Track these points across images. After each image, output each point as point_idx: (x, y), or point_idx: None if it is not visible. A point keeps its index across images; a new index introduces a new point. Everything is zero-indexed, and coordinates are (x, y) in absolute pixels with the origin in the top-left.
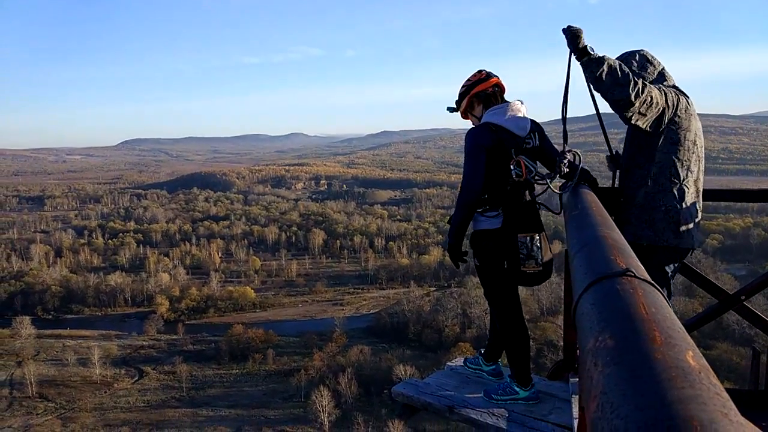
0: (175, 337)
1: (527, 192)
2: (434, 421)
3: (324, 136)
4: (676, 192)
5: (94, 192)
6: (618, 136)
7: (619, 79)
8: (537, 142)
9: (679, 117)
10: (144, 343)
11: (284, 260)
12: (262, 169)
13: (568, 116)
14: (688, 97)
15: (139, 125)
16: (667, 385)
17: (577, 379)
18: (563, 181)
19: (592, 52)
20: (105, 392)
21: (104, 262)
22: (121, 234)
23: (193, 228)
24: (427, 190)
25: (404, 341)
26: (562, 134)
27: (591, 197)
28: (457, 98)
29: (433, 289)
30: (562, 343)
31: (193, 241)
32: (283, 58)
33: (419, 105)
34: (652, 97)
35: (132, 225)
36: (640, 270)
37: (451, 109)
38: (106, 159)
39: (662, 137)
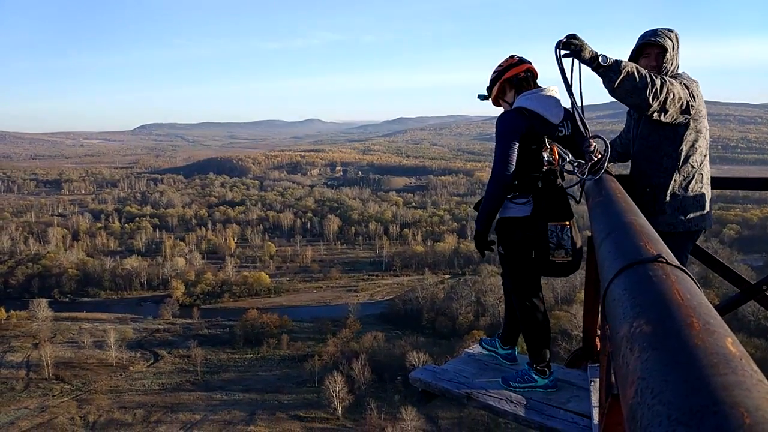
0: (190, 321)
1: (558, 180)
2: (448, 408)
3: (340, 122)
4: (698, 177)
5: (111, 176)
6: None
7: (637, 83)
8: (569, 130)
9: (700, 105)
10: (159, 326)
11: (299, 246)
12: (278, 155)
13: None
14: (698, 83)
15: (155, 110)
16: (709, 372)
17: (597, 366)
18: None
19: (605, 61)
20: (120, 375)
21: (121, 246)
22: (137, 218)
23: (209, 213)
24: (443, 177)
25: (418, 328)
26: (580, 123)
27: (615, 184)
28: (488, 84)
29: (447, 276)
30: (576, 333)
31: (209, 226)
32: (302, 43)
33: (436, 92)
34: (673, 94)
35: (148, 209)
36: (671, 257)
37: (482, 97)
38: (122, 143)
39: (688, 127)
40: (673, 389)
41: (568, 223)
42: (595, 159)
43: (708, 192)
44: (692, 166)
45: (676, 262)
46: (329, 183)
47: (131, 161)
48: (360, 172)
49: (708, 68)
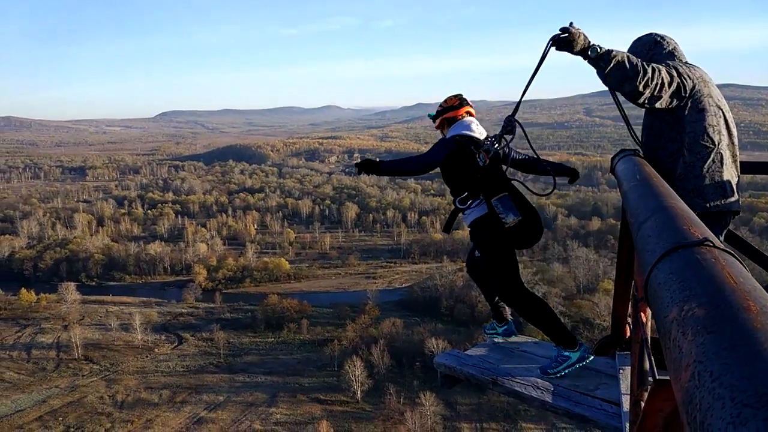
0: (212, 305)
1: (496, 173)
2: (467, 395)
3: (357, 108)
4: (714, 156)
5: (134, 163)
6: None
7: (628, 71)
8: (494, 146)
9: (697, 86)
10: (183, 310)
11: (318, 233)
12: (296, 142)
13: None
14: (699, 68)
15: (175, 97)
16: None
17: (626, 354)
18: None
19: (594, 52)
20: (146, 356)
21: (144, 232)
22: (159, 205)
23: (229, 200)
24: None
25: (436, 315)
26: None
27: (649, 168)
28: (435, 112)
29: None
30: (598, 321)
31: (230, 212)
32: (320, 28)
33: (454, 76)
34: (662, 79)
35: (170, 196)
36: (717, 240)
37: (430, 116)
38: (144, 130)
39: (687, 108)
40: (735, 372)
41: (506, 193)
42: (504, 135)
43: (731, 173)
44: (705, 147)
45: (723, 246)
46: (347, 170)
47: (152, 148)
48: (378, 159)
49: (741, 51)
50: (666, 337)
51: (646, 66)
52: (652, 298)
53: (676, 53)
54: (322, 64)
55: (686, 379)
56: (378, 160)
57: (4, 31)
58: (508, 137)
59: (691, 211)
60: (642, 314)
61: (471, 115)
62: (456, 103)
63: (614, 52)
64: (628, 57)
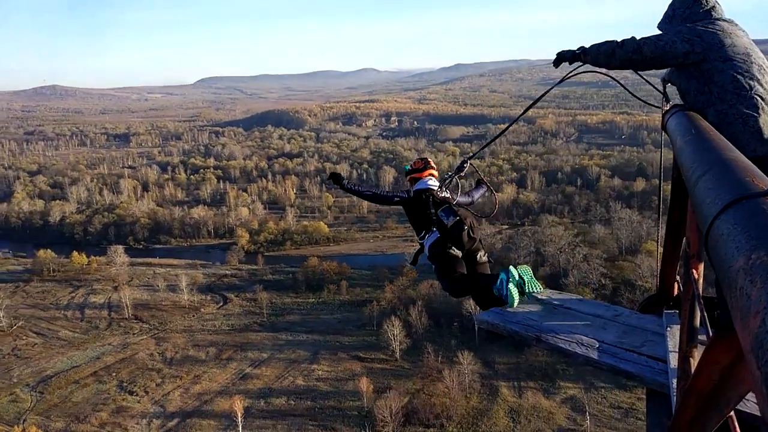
0: (255, 267)
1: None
2: (505, 354)
3: (395, 70)
4: (748, 102)
5: (175, 129)
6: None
7: (603, 50)
8: (443, 191)
9: (717, 39)
10: (227, 272)
11: (356, 197)
12: (333, 106)
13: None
14: (728, 21)
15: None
16: None
17: (673, 312)
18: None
19: (580, 55)
20: (193, 316)
21: (187, 197)
22: (201, 170)
23: (269, 165)
24: (502, 125)
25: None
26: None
27: (704, 122)
28: (407, 170)
29: (505, 226)
30: (640, 283)
31: (269, 177)
32: None
33: (495, 34)
34: (640, 45)
35: (211, 161)
36: None
37: (405, 169)
38: (184, 97)
39: (709, 59)
40: None
41: (447, 205)
42: (452, 175)
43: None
44: (737, 94)
45: None
46: (384, 134)
47: (193, 114)
48: (415, 122)
49: None
50: (731, 286)
51: (616, 41)
52: (713, 249)
53: (714, 12)
54: (357, 26)
55: (756, 326)
56: (345, 178)
57: (50, 1)
58: (456, 177)
59: (752, 163)
60: (694, 271)
61: (433, 176)
62: (421, 166)
63: (587, 47)
64: (599, 44)
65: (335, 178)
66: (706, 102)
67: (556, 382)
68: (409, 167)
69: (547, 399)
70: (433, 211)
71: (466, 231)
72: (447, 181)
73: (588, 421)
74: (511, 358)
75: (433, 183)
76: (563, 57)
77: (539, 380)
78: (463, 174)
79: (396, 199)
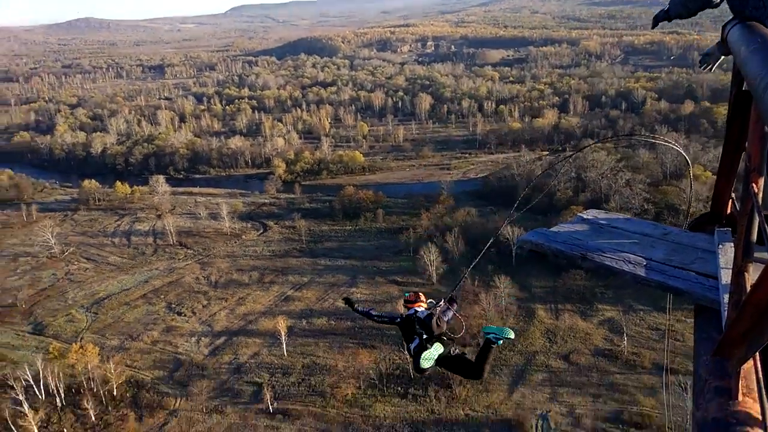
0: (292, 196)
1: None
2: (542, 278)
3: None
4: None
5: (209, 60)
6: None
7: (680, 1)
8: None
9: None
10: (266, 200)
11: (391, 125)
12: (367, 32)
13: None
14: None
15: None
16: None
17: (725, 230)
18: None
19: (662, 15)
20: (235, 242)
21: (224, 127)
22: (236, 100)
23: (303, 94)
24: (544, 48)
25: (512, 204)
26: None
27: (766, 31)
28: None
29: (545, 153)
30: (683, 207)
31: (304, 107)
32: None
33: None
34: None
35: (246, 92)
36: None
37: (405, 294)
38: (216, 27)
39: None
40: None
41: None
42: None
43: None
44: None
45: None
46: (420, 59)
47: (226, 44)
48: (453, 47)
49: None
50: None
51: None
52: None
53: None
54: None
55: None
56: (356, 302)
57: None
58: (439, 309)
59: None
60: (754, 185)
61: (422, 306)
62: (413, 298)
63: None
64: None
65: (348, 302)
66: (763, 15)
67: (593, 305)
68: (405, 299)
69: (585, 321)
70: (417, 326)
71: (434, 320)
72: (433, 308)
73: (625, 342)
74: (548, 282)
75: (421, 310)
76: (658, 19)
77: (576, 303)
78: (451, 306)
79: (397, 320)
